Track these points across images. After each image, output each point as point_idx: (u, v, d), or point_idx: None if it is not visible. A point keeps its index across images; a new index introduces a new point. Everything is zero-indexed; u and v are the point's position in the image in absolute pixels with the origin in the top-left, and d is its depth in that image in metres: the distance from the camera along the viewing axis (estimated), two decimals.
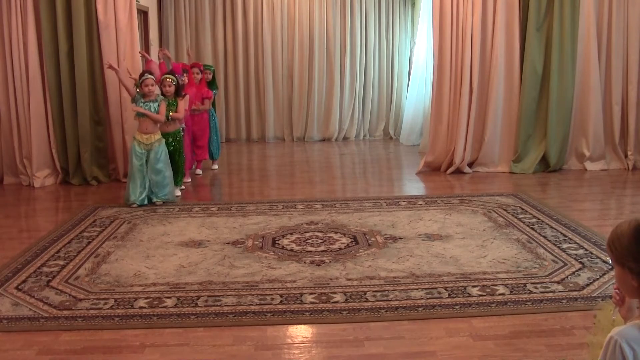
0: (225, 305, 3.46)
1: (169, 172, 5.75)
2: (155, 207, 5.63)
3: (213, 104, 7.49)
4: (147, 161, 5.61)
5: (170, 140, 5.91)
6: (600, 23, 7.05)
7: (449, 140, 7.18)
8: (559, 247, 4.38)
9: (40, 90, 6.55)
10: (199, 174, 7.22)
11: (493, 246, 4.42)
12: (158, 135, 5.67)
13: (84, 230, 4.95)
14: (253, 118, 9.96)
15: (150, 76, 5.63)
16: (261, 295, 3.60)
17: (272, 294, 3.61)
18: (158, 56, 7.44)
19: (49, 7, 6.45)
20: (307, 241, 4.60)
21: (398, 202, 5.80)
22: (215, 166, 7.67)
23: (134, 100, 5.63)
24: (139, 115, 5.57)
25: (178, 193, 6.14)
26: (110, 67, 5.86)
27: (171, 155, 5.87)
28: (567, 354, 2.87)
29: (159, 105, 5.64)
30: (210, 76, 7.36)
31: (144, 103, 5.56)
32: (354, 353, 2.94)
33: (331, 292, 3.61)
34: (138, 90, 5.66)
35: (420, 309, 3.40)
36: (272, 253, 4.34)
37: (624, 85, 7.15)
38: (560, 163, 7.18)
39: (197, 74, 7.04)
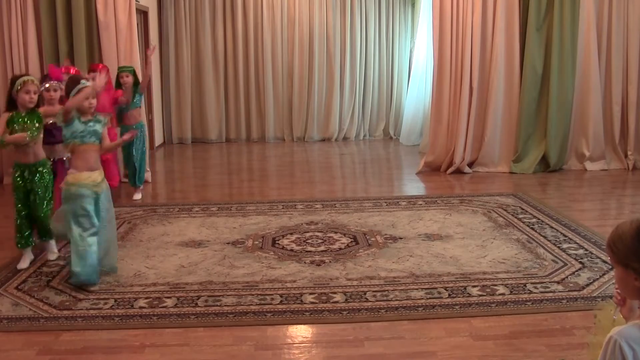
0: (225, 305, 3.46)
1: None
2: (155, 207, 5.63)
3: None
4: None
5: (45, 170, 4.17)
6: (600, 23, 7.05)
7: (449, 140, 7.18)
8: (559, 247, 4.38)
9: None
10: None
11: (493, 246, 4.42)
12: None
13: None
14: (253, 118, 9.96)
15: (81, 85, 3.74)
16: (261, 295, 3.60)
17: (272, 294, 3.60)
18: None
19: (49, 7, 6.46)
20: (307, 241, 4.60)
21: (398, 202, 5.80)
22: (139, 195, 6.05)
23: (68, 124, 3.70)
24: (80, 140, 3.71)
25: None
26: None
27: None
28: (567, 354, 2.87)
29: (103, 126, 3.85)
30: (129, 79, 5.89)
31: (85, 123, 3.75)
32: (354, 353, 2.93)
33: (331, 292, 3.61)
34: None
35: (420, 309, 3.40)
36: (272, 253, 4.34)
37: (624, 85, 7.15)
38: (560, 163, 7.18)
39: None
